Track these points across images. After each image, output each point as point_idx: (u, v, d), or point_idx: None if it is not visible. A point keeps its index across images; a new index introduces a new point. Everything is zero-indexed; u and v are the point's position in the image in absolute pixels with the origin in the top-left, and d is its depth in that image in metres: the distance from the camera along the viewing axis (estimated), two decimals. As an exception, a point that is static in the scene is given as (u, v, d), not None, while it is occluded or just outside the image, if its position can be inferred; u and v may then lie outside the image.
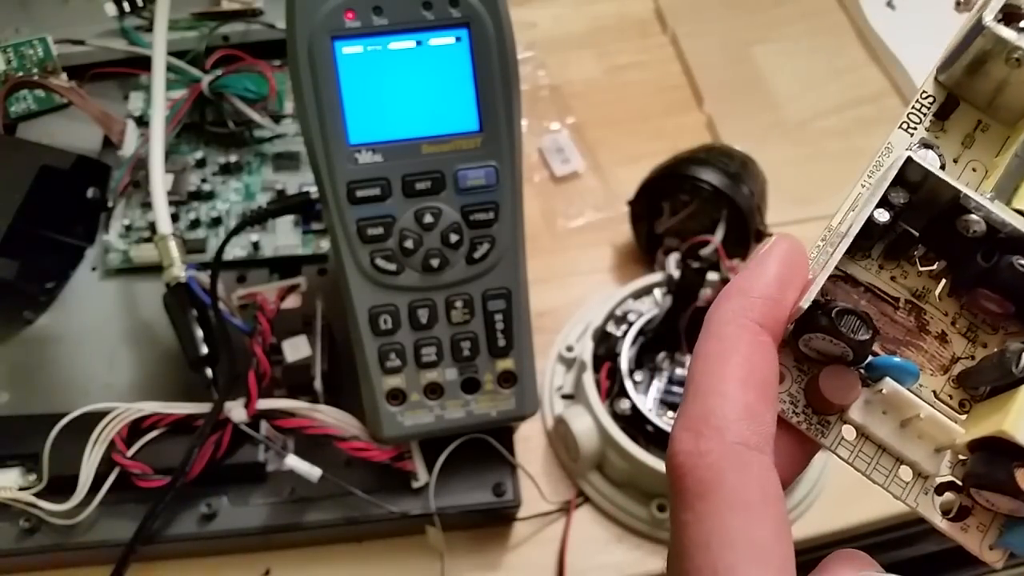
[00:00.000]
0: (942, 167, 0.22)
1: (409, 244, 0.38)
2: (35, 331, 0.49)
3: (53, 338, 0.48)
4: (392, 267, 0.38)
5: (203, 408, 0.41)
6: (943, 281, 0.22)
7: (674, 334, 0.49)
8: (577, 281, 0.56)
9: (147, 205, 0.51)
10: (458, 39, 0.37)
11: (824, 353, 0.21)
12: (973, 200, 0.20)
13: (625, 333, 0.47)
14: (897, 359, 0.21)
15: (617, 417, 0.45)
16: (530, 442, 0.49)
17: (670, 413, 0.47)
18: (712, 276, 0.48)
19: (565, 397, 0.50)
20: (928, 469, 0.21)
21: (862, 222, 0.20)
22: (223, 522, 0.42)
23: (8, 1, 0.59)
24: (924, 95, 0.23)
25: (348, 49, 0.36)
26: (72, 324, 0.49)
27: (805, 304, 0.20)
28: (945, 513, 0.21)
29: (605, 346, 0.48)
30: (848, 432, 0.21)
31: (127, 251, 0.50)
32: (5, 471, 0.42)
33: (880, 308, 0.22)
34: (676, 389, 0.48)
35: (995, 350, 0.21)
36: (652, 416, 0.45)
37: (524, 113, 0.39)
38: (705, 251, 0.50)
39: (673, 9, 0.71)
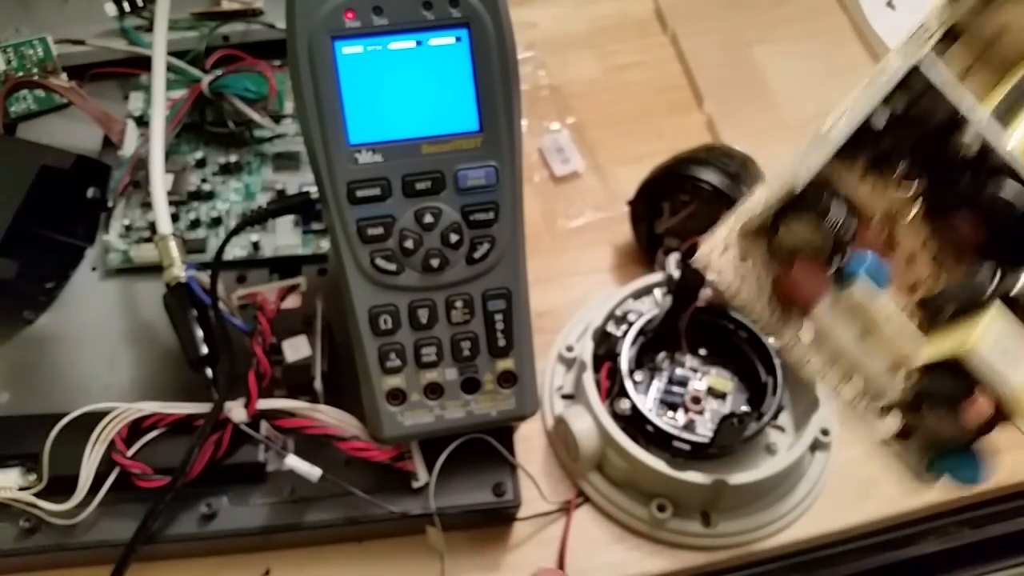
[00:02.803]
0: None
1: (409, 244, 0.38)
2: (35, 331, 0.49)
3: (53, 338, 0.48)
4: (392, 267, 0.38)
5: (203, 408, 0.41)
6: (919, 201, 0.21)
7: (674, 334, 0.48)
8: (577, 281, 0.56)
9: (147, 205, 0.51)
10: (458, 39, 0.37)
11: (800, 246, 0.20)
12: (974, 119, 0.19)
13: (625, 333, 0.47)
14: (872, 255, 0.20)
15: (617, 417, 0.45)
16: (530, 442, 0.49)
17: (670, 413, 0.47)
18: (712, 276, 0.48)
19: (565, 397, 0.50)
20: (882, 383, 0.20)
21: (860, 119, 0.19)
22: (223, 522, 0.42)
23: (8, 1, 0.59)
24: (924, 28, 0.22)
25: (348, 49, 0.36)
26: (72, 324, 0.49)
27: (799, 186, 0.19)
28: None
29: (605, 346, 0.48)
30: (806, 335, 0.21)
31: (127, 251, 0.50)
32: (5, 471, 0.42)
33: (853, 220, 0.21)
34: (676, 389, 0.48)
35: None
36: (652, 416, 0.45)
37: (524, 113, 0.39)
38: (705, 251, 0.50)
39: (673, 9, 0.71)
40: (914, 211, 0.22)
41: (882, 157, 0.21)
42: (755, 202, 0.20)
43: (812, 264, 0.20)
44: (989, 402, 0.18)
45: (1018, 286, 0.19)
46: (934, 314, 0.21)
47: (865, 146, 0.21)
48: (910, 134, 0.20)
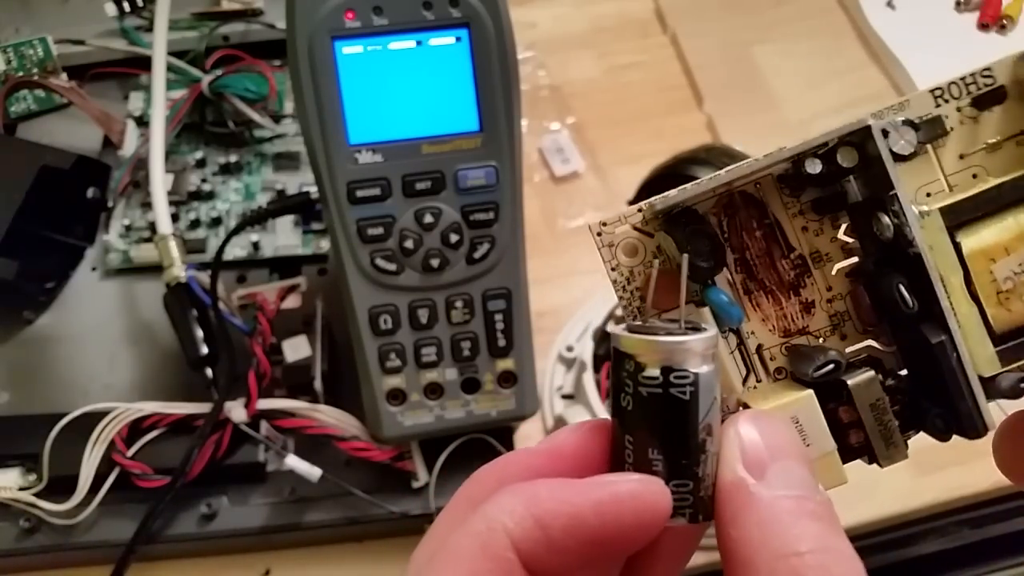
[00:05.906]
0: (913, 154, 0.19)
1: (409, 244, 0.38)
2: (35, 331, 0.49)
3: (53, 338, 0.48)
4: (392, 267, 0.38)
5: (203, 408, 0.41)
6: (853, 259, 0.20)
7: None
8: (577, 281, 0.56)
9: (147, 205, 0.51)
10: (458, 39, 0.37)
11: (668, 256, 0.20)
12: (898, 203, 0.18)
13: (625, 333, 0.47)
14: (726, 298, 0.20)
15: (617, 417, 0.45)
16: (530, 442, 0.49)
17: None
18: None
19: (565, 397, 0.50)
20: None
21: (788, 155, 0.19)
22: (223, 522, 0.42)
23: (8, 1, 0.59)
24: (985, 72, 0.19)
25: (348, 49, 0.36)
26: (72, 324, 0.49)
27: (659, 205, 0.19)
28: None
29: (605, 346, 0.48)
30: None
31: (127, 251, 0.50)
32: (5, 471, 0.42)
33: (769, 247, 0.20)
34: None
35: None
36: (652, 416, 0.45)
37: (524, 113, 0.39)
38: (705, 251, 0.50)
39: (673, 9, 0.71)
40: (842, 263, 0.20)
41: (828, 202, 0.20)
42: (671, 193, 0.20)
43: (674, 278, 0.19)
44: None
45: (850, 382, 0.19)
46: (793, 364, 0.21)
47: (808, 182, 0.20)
48: (865, 189, 0.19)
